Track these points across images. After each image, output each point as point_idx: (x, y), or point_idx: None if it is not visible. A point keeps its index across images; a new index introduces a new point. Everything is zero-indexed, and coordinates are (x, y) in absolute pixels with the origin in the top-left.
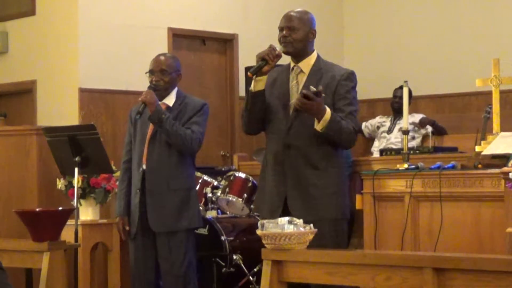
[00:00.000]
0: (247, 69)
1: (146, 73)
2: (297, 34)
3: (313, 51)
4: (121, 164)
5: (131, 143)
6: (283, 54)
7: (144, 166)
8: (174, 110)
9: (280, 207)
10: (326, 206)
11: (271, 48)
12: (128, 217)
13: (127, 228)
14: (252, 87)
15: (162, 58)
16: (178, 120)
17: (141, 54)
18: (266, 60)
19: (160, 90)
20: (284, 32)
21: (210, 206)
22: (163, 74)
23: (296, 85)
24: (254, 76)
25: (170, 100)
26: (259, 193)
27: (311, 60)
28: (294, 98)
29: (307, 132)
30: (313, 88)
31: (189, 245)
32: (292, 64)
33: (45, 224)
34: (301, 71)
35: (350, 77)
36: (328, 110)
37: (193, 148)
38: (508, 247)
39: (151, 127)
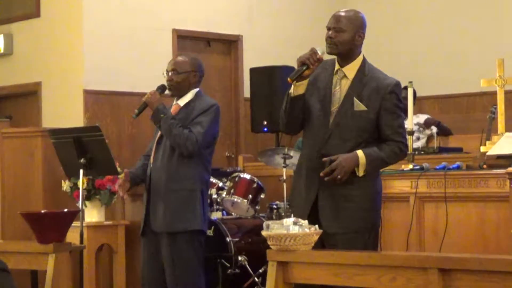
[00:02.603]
0: (253, 71)
1: (163, 73)
2: (344, 36)
3: (359, 54)
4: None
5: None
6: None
7: (151, 166)
8: (184, 110)
9: (306, 213)
10: (358, 219)
11: (312, 52)
12: (131, 175)
13: (127, 185)
14: (291, 91)
15: (176, 58)
16: (187, 120)
17: (145, 56)
18: (307, 64)
19: (172, 90)
20: (330, 32)
21: (215, 207)
22: (174, 74)
23: (339, 91)
24: (294, 82)
25: (184, 100)
26: (292, 191)
27: (356, 64)
28: (336, 105)
29: (345, 144)
30: (325, 159)
31: (191, 247)
32: (336, 67)
33: (50, 226)
34: (345, 75)
35: (395, 89)
36: (360, 154)
37: (188, 148)
38: None
39: None
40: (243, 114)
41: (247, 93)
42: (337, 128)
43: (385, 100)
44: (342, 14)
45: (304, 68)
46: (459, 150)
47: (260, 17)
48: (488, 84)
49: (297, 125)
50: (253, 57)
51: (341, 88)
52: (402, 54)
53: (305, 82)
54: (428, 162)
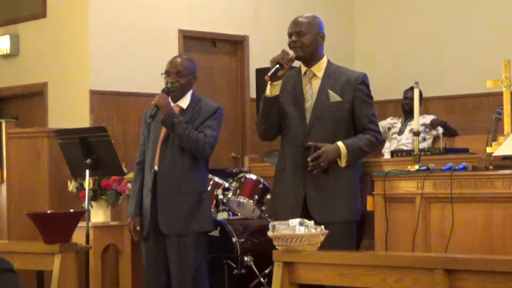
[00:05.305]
0: (259, 71)
1: (162, 74)
2: (306, 39)
3: (323, 55)
4: (135, 165)
5: (144, 145)
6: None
7: (156, 168)
8: (188, 112)
9: (299, 208)
10: (340, 208)
11: (285, 53)
12: (140, 218)
13: (138, 228)
14: (268, 93)
15: (178, 60)
16: (191, 123)
17: (151, 56)
18: (281, 64)
19: (176, 92)
20: (293, 37)
21: (221, 207)
22: (179, 76)
23: (311, 89)
24: (270, 81)
25: (185, 102)
26: (275, 197)
27: (322, 64)
28: (310, 101)
29: (325, 135)
30: (310, 143)
31: (199, 248)
32: (304, 69)
33: (56, 226)
34: (314, 75)
35: (364, 80)
36: (341, 145)
37: (206, 152)
38: None
39: (163, 129)
40: (249, 115)
41: (253, 93)
42: (317, 121)
43: (357, 90)
44: (301, 19)
45: (280, 67)
46: (465, 151)
47: (266, 18)
48: (494, 85)
49: (274, 129)
50: (259, 57)
51: (312, 86)
52: (408, 55)
53: (279, 83)
54: (434, 163)
